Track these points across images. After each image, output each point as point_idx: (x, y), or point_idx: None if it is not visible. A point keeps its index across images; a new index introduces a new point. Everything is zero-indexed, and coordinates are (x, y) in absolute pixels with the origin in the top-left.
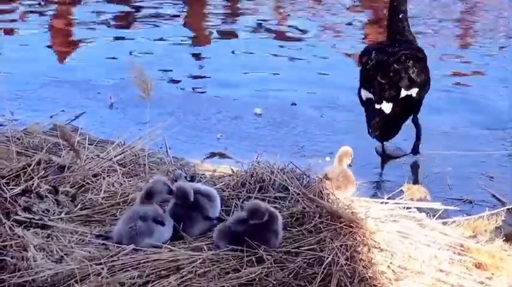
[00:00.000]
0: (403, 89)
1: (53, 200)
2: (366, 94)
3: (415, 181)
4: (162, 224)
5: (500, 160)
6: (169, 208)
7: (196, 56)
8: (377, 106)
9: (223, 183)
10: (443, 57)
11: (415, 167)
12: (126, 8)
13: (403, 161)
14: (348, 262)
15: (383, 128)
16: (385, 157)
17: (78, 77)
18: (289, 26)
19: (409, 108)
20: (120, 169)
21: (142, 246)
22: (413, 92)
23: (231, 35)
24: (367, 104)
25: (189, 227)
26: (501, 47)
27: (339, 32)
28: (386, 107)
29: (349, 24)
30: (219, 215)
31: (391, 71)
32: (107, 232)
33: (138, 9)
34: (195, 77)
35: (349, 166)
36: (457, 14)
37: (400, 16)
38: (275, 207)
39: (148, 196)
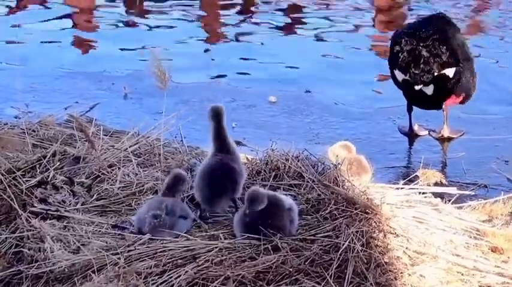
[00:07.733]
0: (446, 70)
1: (69, 191)
2: (401, 76)
3: (430, 166)
4: (185, 218)
5: None
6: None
7: (209, 46)
8: (417, 87)
9: None
10: None
11: (429, 152)
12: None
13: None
14: (364, 248)
15: (428, 105)
16: (413, 135)
17: (92, 69)
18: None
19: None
20: (135, 159)
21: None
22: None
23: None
24: (404, 85)
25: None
26: None
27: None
28: (428, 89)
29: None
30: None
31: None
32: (123, 222)
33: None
34: (209, 67)
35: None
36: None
37: None
38: (290, 195)
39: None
